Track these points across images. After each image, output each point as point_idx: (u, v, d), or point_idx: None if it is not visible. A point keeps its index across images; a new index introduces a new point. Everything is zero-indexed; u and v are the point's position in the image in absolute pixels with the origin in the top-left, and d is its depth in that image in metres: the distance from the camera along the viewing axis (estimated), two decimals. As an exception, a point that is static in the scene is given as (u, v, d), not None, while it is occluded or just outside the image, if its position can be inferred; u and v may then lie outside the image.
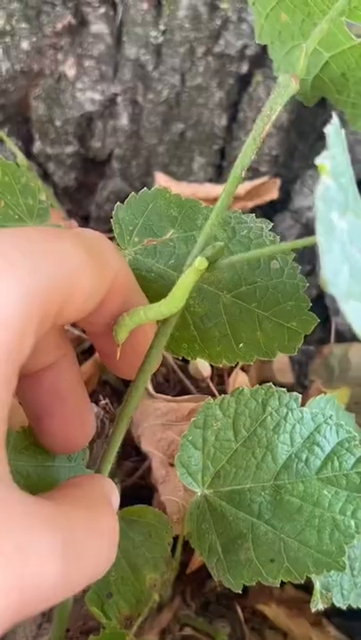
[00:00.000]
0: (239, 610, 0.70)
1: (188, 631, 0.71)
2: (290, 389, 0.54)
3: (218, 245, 0.38)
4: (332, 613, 0.72)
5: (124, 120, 0.83)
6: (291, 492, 0.49)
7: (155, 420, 0.62)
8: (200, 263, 0.35)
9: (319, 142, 0.80)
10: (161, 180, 0.83)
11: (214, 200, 0.83)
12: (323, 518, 0.48)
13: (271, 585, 0.48)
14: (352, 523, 0.48)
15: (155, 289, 0.43)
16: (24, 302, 0.27)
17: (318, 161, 0.28)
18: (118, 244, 0.44)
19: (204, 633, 0.72)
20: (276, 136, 0.80)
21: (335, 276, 0.26)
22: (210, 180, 0.83)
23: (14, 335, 0.27)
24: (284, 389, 0.50)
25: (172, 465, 0.60)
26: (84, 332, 0.72)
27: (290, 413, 0.50)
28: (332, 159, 0.29)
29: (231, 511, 0.50)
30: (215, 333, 0.44)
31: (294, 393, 0.51)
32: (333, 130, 0.31)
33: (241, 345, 0.43)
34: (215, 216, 0.39)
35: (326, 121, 0.78)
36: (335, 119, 0.32)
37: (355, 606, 0.56)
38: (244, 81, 0.79)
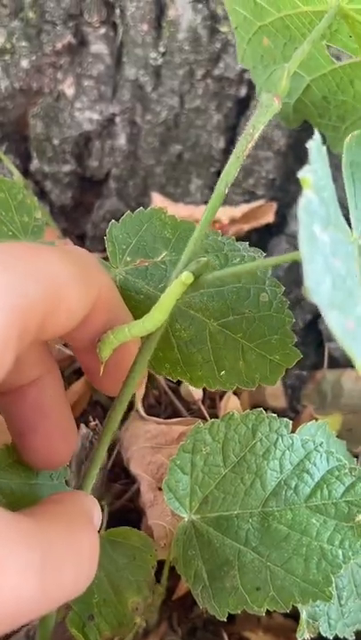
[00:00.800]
0: (226, 637, 0.69)
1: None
2: (282, 414, 0.54)
3: (202, 261, 0.38)
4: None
5: (121, 140, 0.83)
6: (279, 519, 0.49)
7: (144, 442, 0.61)
8: (186, 277, 0.36)
9: (316, 167, 0.80)
10: (158, 200, 0.83)
11: (211, 222, 0.83)
12: (310, 547, 0.48)
13: (256, 613, 0.47)
14: (340, 552, 0.47)
15: (142, 310, 0.43)
16: (4, 312, 0.27)
17: (301, 174, 0.28)
18: (110, 263, 0.44)
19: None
20: (273, 160, 0.80)
21: (318, 286, 0.26)
22: (206, 202, 0.83)
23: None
24: (275, 415, 0.50)
25: (160, 489, 0.60)
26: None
27: (280, 439, 0.50)
28: (314, 173, 0.29)
29: (218, 537, 0.49)
30: (198, 358, 0.44)
31: (285, 419, 0.50)
32: (315, 145, 0.32)
33: (223, 372, 0.44)
34: (199, 231, 0.39)
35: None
36: (317, 135, 0.33)
37: (341, 636, 0.56)
38: (243, 104, 0.80)
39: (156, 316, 0.37)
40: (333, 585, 0.47)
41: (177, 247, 0.45)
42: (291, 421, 0.51)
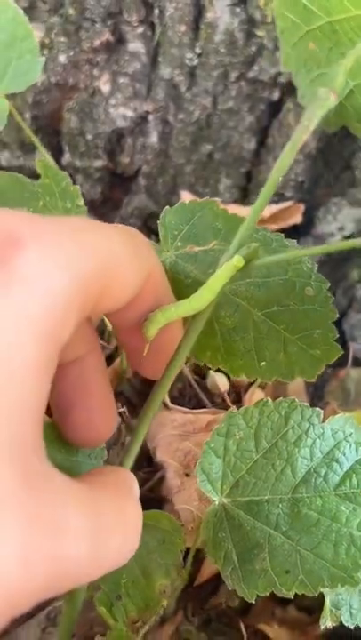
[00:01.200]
0: (243, 628, 0.70)
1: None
2: None
3: (253, 246, 0.39)
4: (333, 637, 0.73)
5: (153, 138, 0.85)
6: (309, 505, 0.50)
7: (171, 430, 0.63)
8: (237, 260, 0.37)
9: (346, 172, 0.82)
10: (186, 198, 0.84)
11: (239, 221, 0.84)
12: (340, 533, 0.48)
13: (285, 596, 0.48)
14: None
15: (189, 294, 0.44)
16: (70, 282, 0.27)
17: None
18: (161, 246, 0.46)
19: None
20: (302, 163, 0.82)
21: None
22: (235, 202, 0.85)
23: (60, 313, 0.27)
24: (307, 404, 0.51)
25: (187, 475, 0.61)
26: (102, 338, 0.73)
27: (311, 428, 0.51)
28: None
29: (249, 521, 0.50)
30: (240, 347, 0.45)
31: (317, 408, 0.51)
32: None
33: (263, 363, 0.45)
34: (250, 219, 0.40)
35: (355, 151, 0.81)
36: None
37: (362, 626, 0.57)
38: (275, 107, 0.82)
39: (204, 296, 0.37)
40: None
41: (226, 238, 0.46)
42: (322, 411, 0.52)
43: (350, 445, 0.51)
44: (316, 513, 0.49)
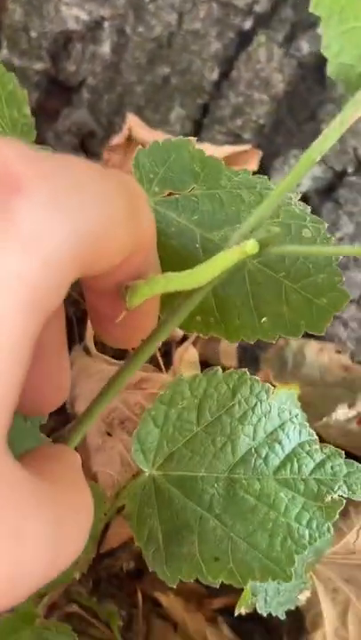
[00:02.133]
0: (140, 595, 0.68)
1: (75, 608, 0.69)
2: None
3: (273, 231, 0.34)
4: (226, 612, 0.72)
5: (105, 48, 0.77)
6: (246, 488, 0.47)
7: (97, 382, 0.58)
8: (252, 247, 0.31)
9: (310, 123, 0.77)
10: (133, 122, 0.78)
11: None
12: (277, 523, 0.46)
13: (210, 585, 0.46)
14: (306, 532, 0.46)
15: (173, 246, 0.40)
16: (69, 244, 0.24)
17: None
18: None
19: (91, 612, 0.69)
20: (267, 105, 0.77)
21: None
22: (185, 135, 0.79)
23: (55, 279, 0.24)
24: (258, 378, 0.48)
25: (109, 434, 0.57)
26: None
27: (258, 405, 0.48)
28: None
29: (180, 498, 0.47)
30: (236, 302, 0.40)
31: (267, 384, 0.48)
32: None
33: (264, 319, 0.40)
34: (276, 195, 0.35)
35: (322, 102, 0.76)
36: None
37: (274, 614, 0.55)
38: (246, 38, 0.76)
39: (199, 275, 0.33)
40: (295, 565, 0.46)
41: (207, 182, 0.42)
42: (272, 387, 0.49)
43: (295, 427, 0.48)
44: (253, 498, 0.47)
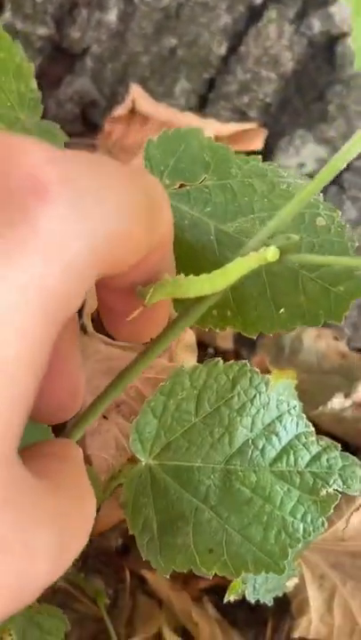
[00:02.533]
0: (127, 572, 0.68)
1: (62, 583, 0.70)
2: (226, 356, 0.51)
3: (293, 239, 0.34)
4: (212, 591, 0.73)
5: (112, 16, 0.76)
6: (242, 480, 0.47)
7: (94, 363, 0.58)
8: (272, 254, 0.32)
9: (317, 103, 0.76)
10: (137, 94, 0.77)
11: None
12: (272, 516, 0.47)
13: (203, 576, 0.46)
14: (301, 526, 0.47)
15: (187, 239, 0.39)
16: (90, 254, 0.24)
17: None
18: None
19: (78, 588, 0.70)
20: (274, 83, 0.76)
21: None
22: (190, 110, 0.78)
23: (74, 289, 0.24)
24: (257, 370, 0.48)
25: (105, 417, 0.57)
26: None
27: (257, 396, 0.48)
28: None
29: (176, 488, 0.48)
30: (253, 293, 0.40)
31: (267, 375, 0.49)
32: None
33: (282, 310, 0.40)
34: (299, 201, 0.34)
35: (331, 83, 0.75)
36: None
37: (262, 601, 0.56)
38: (256, 12, 0.75)
39: (220, 281, 0.33)
40: (289, 559, 0.46)
41: (217, 171, 0.41)
42: (270, 377, 0.49)
43: (292, 419, 0.48)
44: (249, 490, 0.47)
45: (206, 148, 0.42)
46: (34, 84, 0.52)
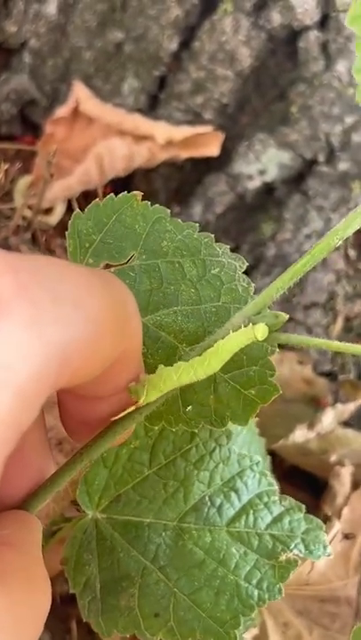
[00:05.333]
0: (74, 623, 0.68)
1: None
2: None
3: (282, 317, 0.36)
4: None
5: (51, 8, 0.76)
6: (195, 540, 0.48)
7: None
8: (262, 332, 0.34)
9: (278, 103, 0.76)
10: (80, 92, 0.76)
11: (142, 137, 0.77)
12: (225, 580, 0.47)
13: (145, 642, 0.47)
14: (255, 593, 0.47)
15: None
16: (49, 365, 0.26)
17: None
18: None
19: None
20: (231, 82, 0.76)
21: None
22: (139, 111, 0.77)
23: (33, 400, 0.26)
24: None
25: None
26: None
27: (217, 450, 0.49)
28: None
29: (123, 545, 0.48)
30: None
31: (228, 429, 0.49)
32: None
33: (189, 408, 0.41)
34: (289, 278, 0.36)
35: (293, 81, 0.75)
36: None
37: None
38: (210, 4, 0.75)
39: (212, 364, 0.35)
40: (240, 627, 0.47)
41: (147, 246, 0.42)
42: (233, 432, 0.50)
43: (254, 475, 0.49)
44: (202, 551, 0.48)
45: (140, 216, 0.43)
46: None
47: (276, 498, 0.48)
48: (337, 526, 0.65)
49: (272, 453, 0.69)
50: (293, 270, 0.36)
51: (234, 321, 0.37)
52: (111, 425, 0.37)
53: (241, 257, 0.42)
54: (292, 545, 0.47)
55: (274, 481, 0.49)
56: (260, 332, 0.34)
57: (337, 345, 0.36)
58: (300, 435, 0.65)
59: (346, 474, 0.67)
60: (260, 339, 0.34)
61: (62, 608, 0.71)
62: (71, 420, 0.37)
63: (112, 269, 0.42)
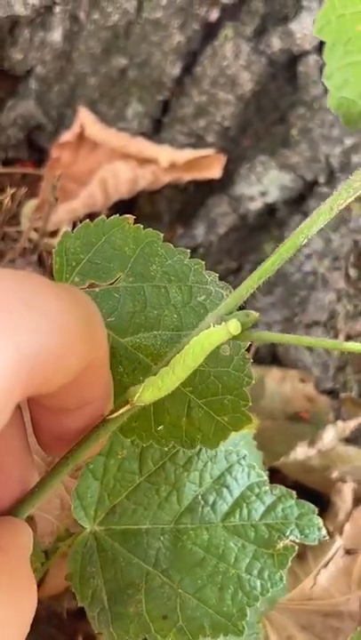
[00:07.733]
0: (81, 637, 0.72)
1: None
2: None
3: (253, 315, 0.38)
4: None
5: (56, 35, 0.80)
6: (194, 539, 0.51)
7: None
8: (234, 328, 0.36)
9: (279, 126, 0.81)
10: (85, 118, 0.82)
11: (146, 161, 0.82)
12: (227, 575, 0.50)
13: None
14: (258, 583, 0.50)
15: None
16: (17, 373, 0.28)
17: None
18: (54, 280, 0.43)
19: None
20: (232, 105, 0.81)
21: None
22: (143, 135, 0.83)
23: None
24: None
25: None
26: None
27: (203, 450, 0.52)
28: None
29: (124, 555, 0.51)
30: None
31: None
32: None
33: (161, 427, 0.44)
34: (258, 277, 0.38)
35: (293, 105, 0.80)
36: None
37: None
38: (211, 30, 0.80)
39: (190, 364, 0.37)
40: (247, 619, 0.49)
41: (135, 270, 0.44)
42: None
43: (243, 469, 0.52)
44: (201, 549, 0.50)
45: (130, 239, 0.44)
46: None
47: (267, 488, 0.51)
48: (339, 542, 0.69)
49: (275, 470, 0.73)
50: (263, 269, 0.38)
51: (207, 321, 0.39)
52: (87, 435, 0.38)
53: (229, 286, 0.43)
54: (288, 531, 0.50)
55: (263, 472, 0.51)
56: (233, 327, 0.36)
57: (308, 340, 0.39)
58: (301, 452, 0.68)
59: (348, 490, 0.71)
60: (234, 333, 0.36)
61: (69, 623, 0.75)
62: (43, 434, 0.38)
63: (97, 289, 0.43)
